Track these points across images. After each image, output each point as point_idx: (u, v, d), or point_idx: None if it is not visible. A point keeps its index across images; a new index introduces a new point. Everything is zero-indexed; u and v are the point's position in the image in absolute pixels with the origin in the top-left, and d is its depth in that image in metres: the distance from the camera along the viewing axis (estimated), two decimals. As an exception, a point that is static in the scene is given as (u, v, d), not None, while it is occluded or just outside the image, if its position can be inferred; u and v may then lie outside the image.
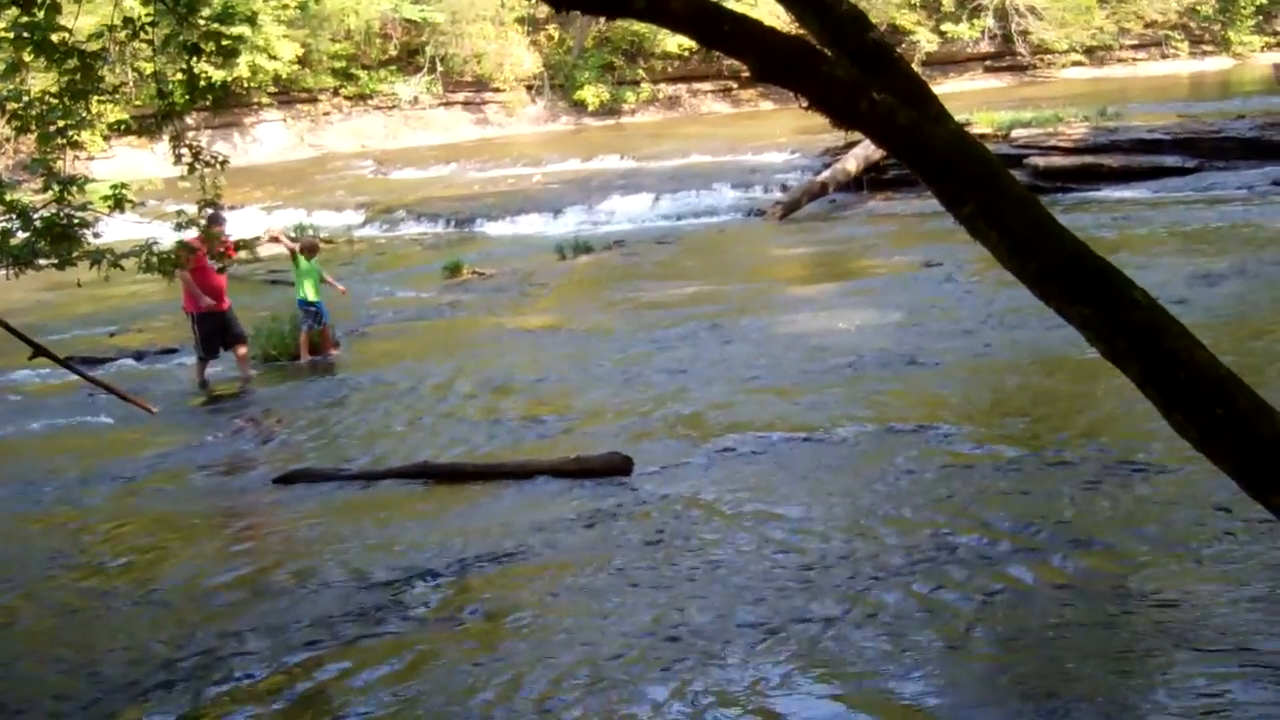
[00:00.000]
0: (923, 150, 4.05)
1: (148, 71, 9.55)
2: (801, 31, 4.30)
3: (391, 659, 6.74)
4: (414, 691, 6.32)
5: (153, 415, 11.54)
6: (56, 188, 9.07)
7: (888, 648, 6.36)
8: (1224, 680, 5.73)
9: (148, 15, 8.70)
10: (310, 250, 15.87)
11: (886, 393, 11.32)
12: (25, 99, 8.91)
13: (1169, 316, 3.92)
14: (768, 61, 3.97)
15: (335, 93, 49.99)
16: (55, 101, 8.83)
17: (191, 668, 6.79)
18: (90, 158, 37.68)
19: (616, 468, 9.64)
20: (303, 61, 47.04)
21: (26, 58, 8.53)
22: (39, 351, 9.05)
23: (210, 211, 13.36)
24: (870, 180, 25.89)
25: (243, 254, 11.04)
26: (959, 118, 4.33)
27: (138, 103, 26.36)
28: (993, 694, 5.91)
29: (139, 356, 16.25)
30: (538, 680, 6.29)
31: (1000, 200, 3.98)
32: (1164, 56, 60.50)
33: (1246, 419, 3.81)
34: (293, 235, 17.53)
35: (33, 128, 8.98)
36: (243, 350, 14.70)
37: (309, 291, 15.39)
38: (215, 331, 14.59)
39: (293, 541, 8.84)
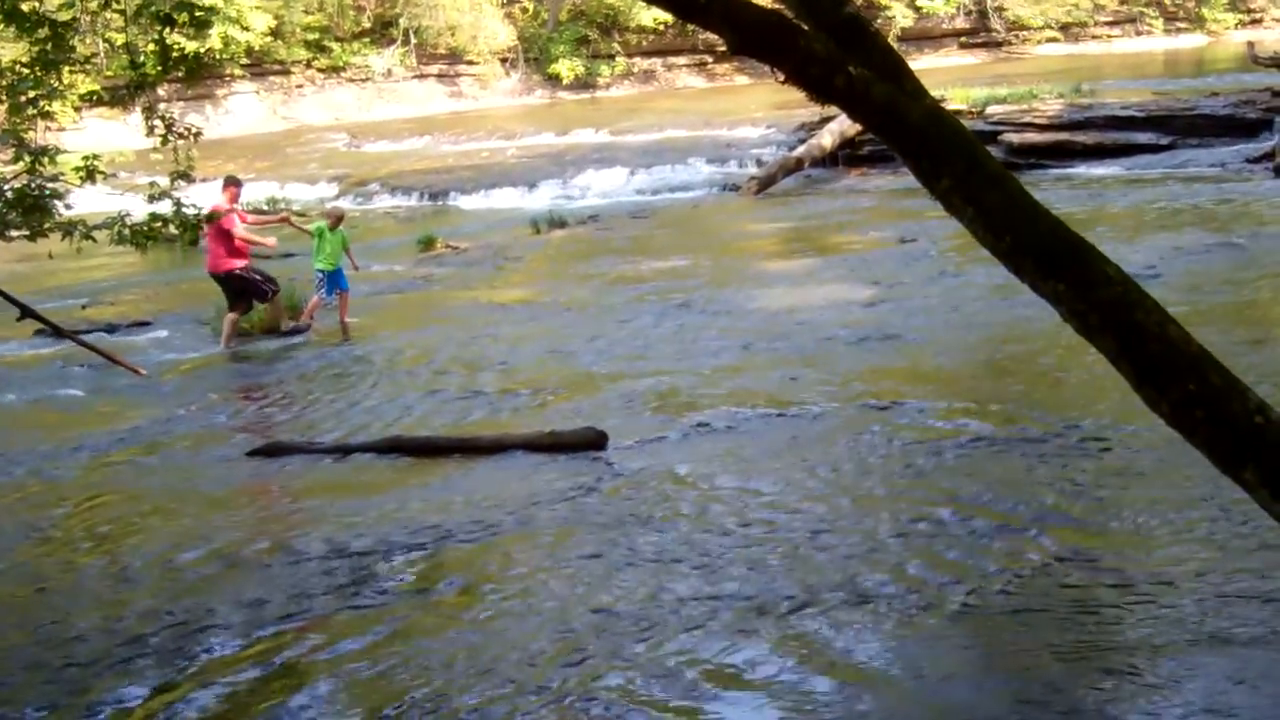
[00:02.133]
0: (899, 125, 4.05)
1: (119, 42, 9.47)
2: (778, 5, 4.29)
3: (366, 632, 6.73)
4: (388, 664, 6.32)
5: (143, 377, 11.58)
6: (27, 159, 9.02)
7: (862, 623, 6.39)
8: (1200, 668, 5.79)
9: (120, -16, 8.65)
10: (337, 219, 15.92)
11: (861, 369, 11.35)
12: (-4, 69, 8.86)
13: (1142, 292, 3.94)
14: (744, 35, 3.96)
15: (308, 65, 49.68)
16: (26, 71, 8.77)
17: (165, 640, 6.78)
18: (61, 129, 37.41)
19: (591, 442, 9.64)
20: (275, 33, 46.69)
21: (-3, 27, 8.48)
22: (26, 314, 9.01)
23: (230, 174, 14.08)
24: (846, 156, 25.94)
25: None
26: (934, 94, 4.32)
27: (109, 74, 26.14)
28: (968, 671, 5.95)
29: (111, 329, 16.13)
30: (513, 654, 6.30)
31: (976, 176, 3.99)
32: (1138, 33, 60.62)
33: (1218, 395, 3.83)
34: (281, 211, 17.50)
35: (3, 98, 8.92)
36: (234, 315, 14.92)
37: (325, 261, 15.44)
38: (249, 288, 15.05)
39: (266, 515, 8.84)
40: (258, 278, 15.13)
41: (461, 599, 7.13)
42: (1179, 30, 61.07)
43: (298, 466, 9.92)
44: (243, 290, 15.02)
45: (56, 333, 10.34)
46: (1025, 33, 58.28)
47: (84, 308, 17.82)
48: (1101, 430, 9.03)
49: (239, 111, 47.45)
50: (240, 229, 14.84)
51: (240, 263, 14.94)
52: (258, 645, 6.68)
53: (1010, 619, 6.36)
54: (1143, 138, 24.25)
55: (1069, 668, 5.77)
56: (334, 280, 15.50)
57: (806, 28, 4.08)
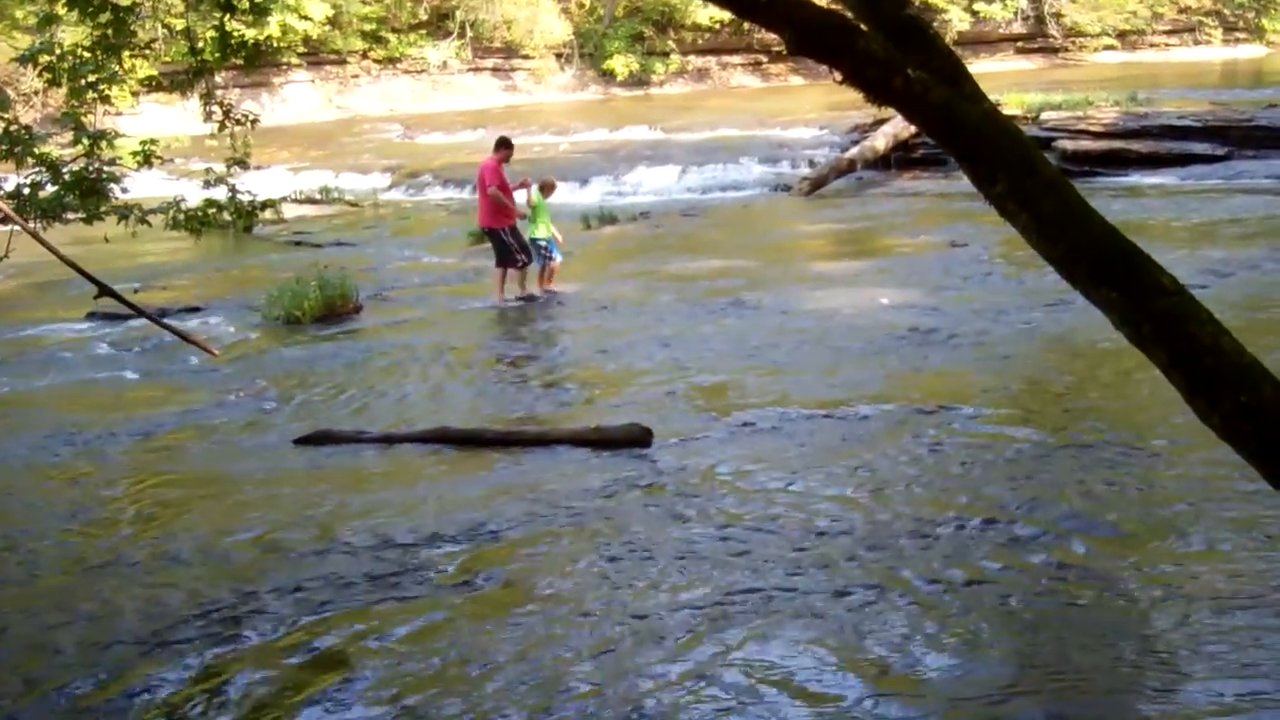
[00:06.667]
0: (955, 128, 4.02)
1: (179, 27, 9.56)
2: (837, 5, 4.28)
3: (407, 622, 6.76)
4: (428, 654, 6.35)
5: (215, 357, 11.69)
6: (86, 142, 9.11)
7: (902, 626, 6.37)
8: (1230, 678, 5.74)
9: (182, -29, 8.73)
10: (548, 188, 16.67)
11: (909, 372, 11.30)
12: (58, 52, 8.94)
13: (1195, 302, 3.89)
14: (803, 34, 3.95)
15: (364, 55, 50.05)
16: (87, 55, 8.86)
17: (207, 625, 6.83)
18: (118, 113, 37.81)
19: (636, 439, 9.64)
20: (333, 23, 47.09)
21: (60, 11, 8.56)
22: (105, 291, 9.10)
23: (502, 136, 15.77)
24: (898, 158, 25.90)
25: (269, 214, 11.08)
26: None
27: (167, 59, 26.42)
28: (1001, 675, 5.91)
29: (163, 314, 16.20)
30: (551, 646, 6.31)
31: (1031, 181, 3.95)
32: (1197, 43, 60.11)
33: (1270, 407, 3.78)
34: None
35: (64, 81, 9.01)
36: (500, 271, 16.05)
37: (540, 229, 16.13)
38: (503, 251, 16.00)
39: (311, 503, 8.87)
40: (513, 244, 15.85)
41: (503, 592, 7.14)
42: (1238, 40, 60.46)
43: (344, 455, 9.97)
44: (501, 249, 15.87)
45: (131, 308, 10.41)
46: (1082, 39, 57.95)
47: (136, 291, 17.92)
48: (1150, 440, 8.96)
49: (295, 100, 47.83)
50: (492, 190, 15.68)
51: (506, 223, 15.80)
52: (300, 632, 6.71)
53: (1045, 624, 6.32)
54: (1199, 148, 24.02)
55: (1096, 672, 5.74)
56: (543, 245, 16.29)
57: (865, 28, 4.07)
